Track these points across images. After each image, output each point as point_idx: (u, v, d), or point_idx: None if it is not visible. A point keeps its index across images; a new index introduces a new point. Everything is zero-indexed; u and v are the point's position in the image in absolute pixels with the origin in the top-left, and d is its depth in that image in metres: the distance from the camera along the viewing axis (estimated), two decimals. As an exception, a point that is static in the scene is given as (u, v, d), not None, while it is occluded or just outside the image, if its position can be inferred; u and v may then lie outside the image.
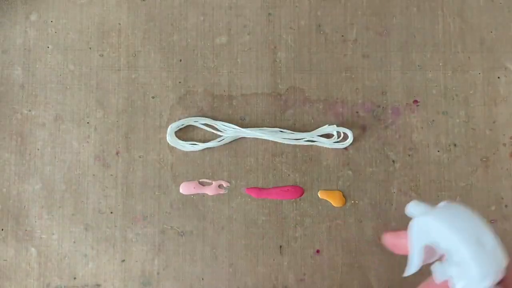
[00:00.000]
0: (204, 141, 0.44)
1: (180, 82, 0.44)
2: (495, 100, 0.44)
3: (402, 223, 0.43)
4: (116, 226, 0.43)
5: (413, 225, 0.23)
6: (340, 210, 0.43)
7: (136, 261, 0.43)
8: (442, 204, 0.23)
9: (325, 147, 0.43)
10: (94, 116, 0.44)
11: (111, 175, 0.43)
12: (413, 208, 0.24)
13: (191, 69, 0.44)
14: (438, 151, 0.44)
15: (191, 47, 0.45)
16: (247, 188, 0.43)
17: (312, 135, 0.43)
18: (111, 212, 0.43)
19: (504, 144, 0.44)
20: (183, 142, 0.43)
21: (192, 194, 0.43)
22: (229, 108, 0.44)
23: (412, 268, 0.23)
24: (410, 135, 0.44)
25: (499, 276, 0.20)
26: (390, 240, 0.25)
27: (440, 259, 0.23)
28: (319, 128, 0.43)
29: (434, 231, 0.22)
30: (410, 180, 0.43)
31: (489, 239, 0.20)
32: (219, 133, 0.44)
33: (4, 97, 0.44)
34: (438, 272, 0.22)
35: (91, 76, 0.44)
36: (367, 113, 0.44)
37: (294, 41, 0.45)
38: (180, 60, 0.45)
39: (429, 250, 0.22)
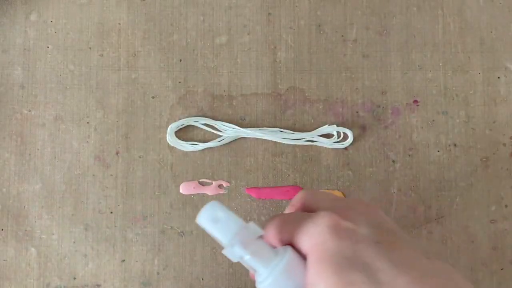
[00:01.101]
0: (204, 141, 0.44)
1: (180, 82, 0.44)
2: (495, 100, 0.44)
3: (402, 223, 0.43)
4: (116, 226, 0.43)
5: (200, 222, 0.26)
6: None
7: (136, 261, 0.43)
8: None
9: (325, 147, 0.43)
10: (94, 116, 0.44)
11: (111, 175, 0.43)
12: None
13: (191, 69, 0.44)
14: (438, 151, 0.44)
15: (191, 47, 0.45)
16: (247, 188, 0.43)
17: (312, 135, 0.43)
18: (111, 212, 0.43)
19: (504, 144, 0.44)
20: (183, 142, 0.43)
21: (192, 194, 0.43)
22: (229, 108, 0.44)
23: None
24: (410, 135, 0.44)
25: (249, 234, 0.24)
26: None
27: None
28: (319, 128, 0.43)
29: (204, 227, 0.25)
30: (410, 180, 0.43)
31: (220, 214, 0.24)
32: (219, 133, 0.44)
33: (4, 97, 0.44)
34: (229, 256, 0.25)
35: (91, 76, 0.44)
36: (367, 113, 0.44)
37: (294, 41, 0.45)
38: (180, 60, 0.45)
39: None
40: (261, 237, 0.25)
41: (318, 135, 0.43)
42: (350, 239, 0.22)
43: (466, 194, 0.43)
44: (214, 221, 0.24)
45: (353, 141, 0.43)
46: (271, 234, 0.25)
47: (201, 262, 0.43)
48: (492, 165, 0.43)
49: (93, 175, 0.43)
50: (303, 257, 0.24)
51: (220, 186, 0.43)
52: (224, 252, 0.24)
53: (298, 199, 0.28)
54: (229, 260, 0.42)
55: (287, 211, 0.28)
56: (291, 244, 0.24)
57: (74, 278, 0.42)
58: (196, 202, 0.43)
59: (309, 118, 0.44)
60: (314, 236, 0.23)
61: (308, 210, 0.27)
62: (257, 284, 0.24)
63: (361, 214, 0.24)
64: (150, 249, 0.43)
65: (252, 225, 0.25)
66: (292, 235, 0.24)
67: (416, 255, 0.22)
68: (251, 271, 0.25)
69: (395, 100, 0.44)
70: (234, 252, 0.24)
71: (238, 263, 0.25)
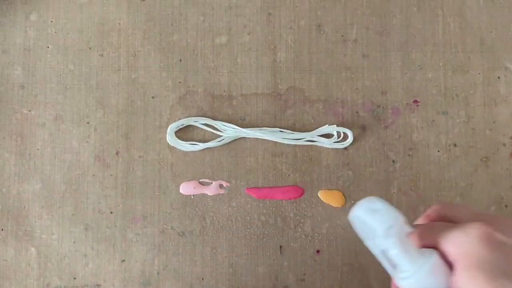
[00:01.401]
0: (204, 141, 0.44)
1: (180, 82, 0.44)
2: (495, 100, 0.44)
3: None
4: (116, 226, 0.43)
5: (353, 217, 0.27)
6: (340, 210, 0.43)
7: (136, 261, 0.43)
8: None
9: (325, 147, 0.43)
10: (94, 116, 0.44)
11: (111, 175, 0.43)
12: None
13: (191, 69, 0.44)
14: (438, 151, 0.44)
15: (191, 47, 0.45)
16: (247, 188, 0.43)
17: (312, 135, 0.43)
18: (111, 212, 0.43)
19: (504, 144, 0.44)
20: (183, 142, 0.43)
21: (192, 194, 0.43)
22: (229, 108, 0.44)
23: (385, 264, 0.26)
24: (410, 135, 0.44)
25: (402, 230, 0.25)
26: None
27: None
28: (319, 128, 0.43)
29: (356, 223, 0.26)
30: (410, 180, 0.43)
31: (379, 205, 0.25)
32: (219, 133, 0.44)
33: (4, 97, 0.44)
34: (373, 249, 0.26)
35: (91, 76, 0.44)
36: (367, 113, 0.44)
37: (294, 41, 0.45)
38: (180, 60, 0.45)
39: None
40: (407, 234, 0.25)
41: (318, 135, 0.43)
42: (503, 251, 0.23)
43: (466, 194, 0.43)
44: (373, 211, 0.25)
45: (353, 141, 0.43)
46: (417, 234, 0.26)
47: (201, 262, 0.43)
48: (492, 165, 0.43)
49: (93, 175, 0.43)
50: (447, 262, 0.24)
51: (220, 186, 0.43)
52: (369, 241, 0.25)
53: (434, 209, 0.28)
54: (229, 260, 0.42)
55: (420, 220, 0.28)
56: (434, 247, 0.25)
57: (74, 278, 0.42)
58: (196, 202, 0.43)
59: (309, 118, 0.44)
60: (464, 245, 0.23)
61: (446, 221, 0.28)
62: (397, 280, 0.25)
63: (510, 228, 0.25)
64: (150, 249, 0.43)
65: (404, 220, 0.25)
66: (437, 240, 0.25)
67: None
68: (386, 266, 0.26)
69: (395, 100, 0.44)
70: (381, 244, 0.25)
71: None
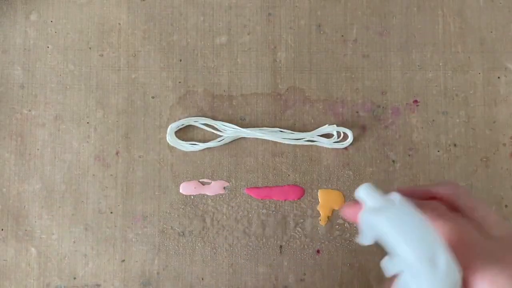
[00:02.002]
0: (204, 141, 0.44)
1: (180, 82, 0.44)
2: (495, 100, 0.44)
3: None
4: (116, 226, 0.43)
5: (363, 219, 0.22)
6: (340, 210, 0.43)
7: (136, 261, 0.43)
8: (394, 197, 0.22)
9: (325, 147, 0.43)
10: (94, 116, 0.44)
11: (111, 175, 0.43)
12: (363, 193, 0.22)
13: (191, 69, 0.44)
14: (438, 151, 0.44)
15: (191, 47, 0.45)
16: (247, 188, 0.43)
17: (312, 135, 0.43)
18: (111, 212, 0.43)
19: (504, 144, 0.44)
20: (183, 142, 0.43)
21: (192, 194, 0.43)
22: (229, 108, 0.44)
23: (363, 241, 0.22)
24: (410, 135, 0.44)
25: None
26: (347, 210, 0.25)
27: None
28: (319, 128, 0.43)
29: (386, 233, 0.21)
30: (410, 180, 0.43)
31: (443, 259, 0.19)
32: (219, 133, 0.44)
33: (4, 97, 0.44)
34: (389, 268, 0.21)
35: (91, 76, 0.44)
36: (367, 113, 0.44)
37: (294, 41, 0.45)
38: (180, 60, 0.45)
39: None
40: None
41: (318, 135, 0.43)
42: None
43: (466, 194, 0.43)
44: (431, 261, 0.19)
45: (353, 141, 0.43)
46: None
47: (201, 262, 0.43)
48: (492, 165, 0.43)
49: (93, 175, 0.43)
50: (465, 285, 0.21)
51: (220, 186, 0.43)
52: (385, 262, 0.21)
53: (446, 190, 0.25)
54: (229, 260, 0.42)
55: (418, 191, 0.25)
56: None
57: (74, 278, 0.42)
58: (196, 202, 0.43)
59: (309, 118, 0.44)
60: (499, 283, 0.20)
61: (451, 205, 0.24)
62: None
63: None
64: (150, 249, 0.43)
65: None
66: (466, 265, 0.21)
67: None
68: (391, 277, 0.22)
69: (395, 100, 0.44)
70: (397, 267, 0.20)
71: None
